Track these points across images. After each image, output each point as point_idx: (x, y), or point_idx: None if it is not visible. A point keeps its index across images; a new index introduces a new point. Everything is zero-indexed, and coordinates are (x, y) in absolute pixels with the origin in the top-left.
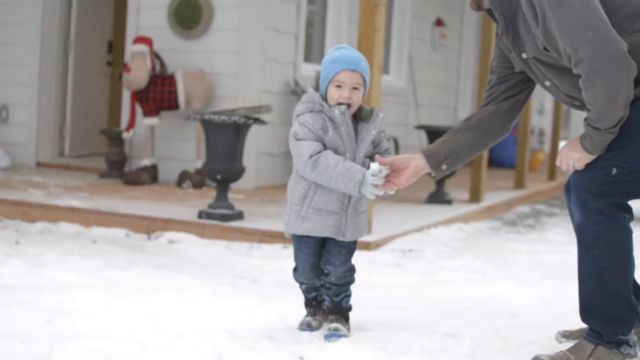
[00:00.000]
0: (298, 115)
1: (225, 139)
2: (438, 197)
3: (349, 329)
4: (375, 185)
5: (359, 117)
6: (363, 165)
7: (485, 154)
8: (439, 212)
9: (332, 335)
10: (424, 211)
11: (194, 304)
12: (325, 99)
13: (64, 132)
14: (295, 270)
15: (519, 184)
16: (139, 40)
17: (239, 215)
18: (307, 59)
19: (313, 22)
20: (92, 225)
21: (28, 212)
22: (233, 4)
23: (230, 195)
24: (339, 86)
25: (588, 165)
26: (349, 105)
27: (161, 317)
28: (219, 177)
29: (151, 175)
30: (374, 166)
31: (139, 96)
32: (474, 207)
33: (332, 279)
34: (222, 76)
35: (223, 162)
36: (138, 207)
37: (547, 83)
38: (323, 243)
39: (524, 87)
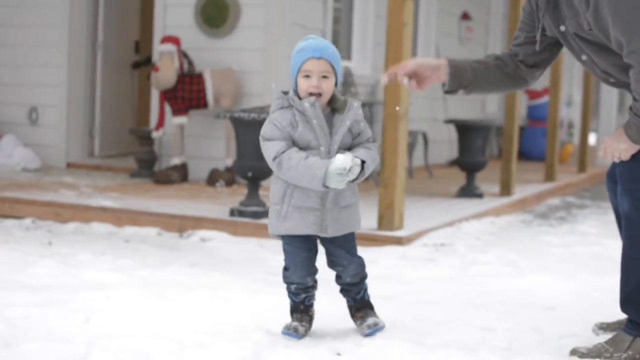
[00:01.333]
0: (270, 114)
1: (255, 136)
2: (468, 191)
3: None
4: (341, 175)
5: (334, 108)
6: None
7: (515, 147)
8: (470, 205)
9: (374, 330)
10: (455, 205)
11: (229, 302)
12: (297, 92)
13: (94, 133)
14: (286, 269)
15: (549, 176)
16: (167, 39)
17: None
18: None
19: (339, 19)
20: (125, 225)
21: (60, 212)
22: (259, 1)
23: (261, 192)
24: (307, 76)
25: (634, 156)
26: (319, 95)
27: (197, 315)
28: (249, 174)
29: (181, 174)
30: (339, 158)
31: (167, 95)
32: (504, 200)
33: (347, 280)
34: (250, 74)
35: (253, 160)
36: (169, 206)
37: (584, 57)
38: (315, 240)
39: (553, 51)
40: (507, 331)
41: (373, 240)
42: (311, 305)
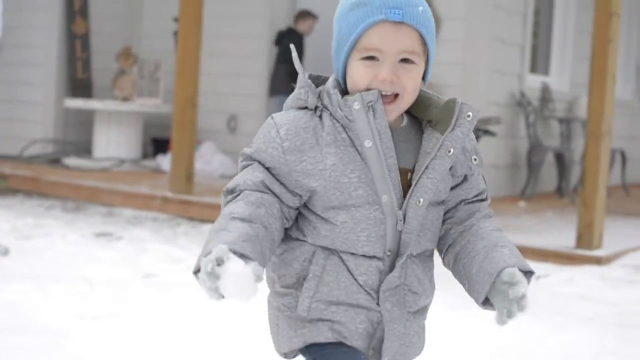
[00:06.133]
0: (274, 115)
1: None
2: None
3: None
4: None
5: (428, 120)
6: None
7: None
8: None
9: None
10: None
11: None
12: (343, 86)
13: None
14: None
15: None
16: None
17: None
18: (533, 70)
19: (539, 33)
20: None
21: None
22: (460, 15)
23: None
24: (370, 57)
25: None
26: (395, 96)
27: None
28: None
29: None
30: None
31: None
32: None
33: None
34: (448, 87)
35: None
36: None
37: None
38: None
39: None
40: None
41: (570, 259)
42: None
